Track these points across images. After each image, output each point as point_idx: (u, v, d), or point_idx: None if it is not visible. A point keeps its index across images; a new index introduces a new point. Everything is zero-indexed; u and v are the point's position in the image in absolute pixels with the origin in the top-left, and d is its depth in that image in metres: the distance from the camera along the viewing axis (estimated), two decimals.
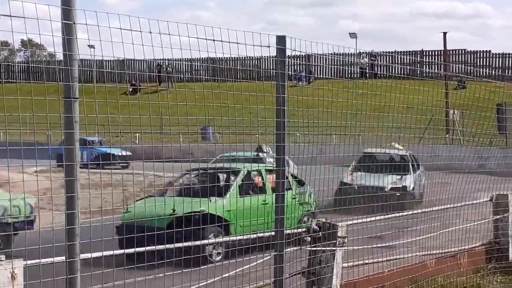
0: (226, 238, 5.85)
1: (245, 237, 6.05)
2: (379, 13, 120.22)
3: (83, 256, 4.66)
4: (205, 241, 6.67)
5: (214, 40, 5.58)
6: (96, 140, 24.36)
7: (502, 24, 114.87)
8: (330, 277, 7.01)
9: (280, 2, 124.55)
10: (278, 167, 6.17)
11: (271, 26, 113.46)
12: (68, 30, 4.76)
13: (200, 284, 5.57)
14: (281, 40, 6.15)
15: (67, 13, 4.76)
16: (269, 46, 6.01)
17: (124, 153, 17.60)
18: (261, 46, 5.90)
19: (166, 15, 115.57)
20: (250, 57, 6.25)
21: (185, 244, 5.74)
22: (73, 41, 4.79)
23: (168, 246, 5.34)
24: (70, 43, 4.77)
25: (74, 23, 4.76)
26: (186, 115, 5.65)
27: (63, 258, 4.65)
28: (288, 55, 6.31)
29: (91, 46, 5.40)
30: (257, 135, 6.88)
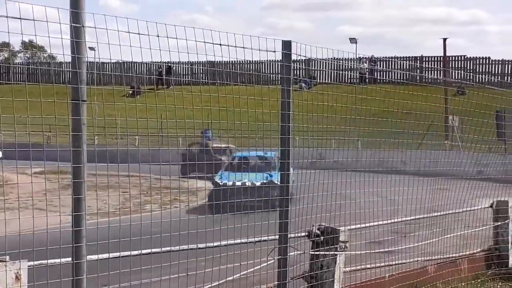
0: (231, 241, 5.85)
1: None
2: (376, 18, 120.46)
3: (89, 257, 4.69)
4: None
5: (220, 45, 5.62)
6: None
7: (498, 30, 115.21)
8: (332, 282, 7.04)
9: (277, 6, 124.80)
10: (282, 171, 6.20)
11: (270, 30, 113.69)
12: (76, 33, 4.79)
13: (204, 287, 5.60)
14: (286, 45, 6.18)
15: (75, 16, 4.79)
16: (275, 51, 6.05)
17: None
18: (267, 51, 5.94)
19: (165, 18, 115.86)
20: (255, 61, 6.28)
21: None
22: (82, 44, 4.82)
23: None
24: (79, 45, 4.80)
25: (83, 26, 4.79)
26: (186, 118, 5.67)
27: (69, 259, 4.68)
28: (293, 60, 6.35)
29: (91, 48, 5.42)
30: (256, 139, 6.92)
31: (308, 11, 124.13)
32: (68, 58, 4.82)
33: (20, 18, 4.58)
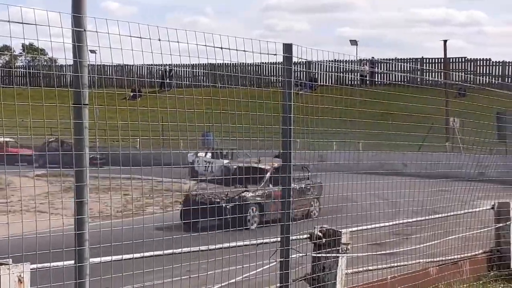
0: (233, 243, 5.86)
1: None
2: (374, 19, 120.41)
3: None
4: None
5: (221, 48, 5.64)
6: None
7: (497, 31, 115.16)
8: (333, 284, 7.05)
9: (277, 8, 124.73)
10: (284, 173, 6.21)
11: (270, 32, 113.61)
12: (78, 37, 4.81)
13: None
14: (287, 48, 6.20)
15: (77, 20, 4.81)
16: (275, 54, 6.07)
17: None
18: (268, 54, 5.96)
19: (164, 20, 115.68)
20: (256, 63, 6.29)
21: None
22: (83, 47, 4.84)
23: None
24: (80, 49, 4.82)
25: (84, 30, 4.81)
26: (186, 120, 5.69)
27: (72, 262, 4.70)
28: (294, 62, 6.37)
29: (92, 51, 5.44)
30: (257, 141, 6.93)
31: (307, 12, 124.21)
32: (69, 61, 4.84)
33: (22, 23, 4.61)
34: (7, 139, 22.83)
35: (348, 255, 7.11)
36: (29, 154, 7.69)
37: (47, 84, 5.13)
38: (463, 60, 52.93)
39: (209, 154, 25.69)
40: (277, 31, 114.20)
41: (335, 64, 7.31)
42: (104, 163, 6.24)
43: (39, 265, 4.72)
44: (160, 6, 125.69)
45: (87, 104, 4.75)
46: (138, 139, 6.21)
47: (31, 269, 4.68)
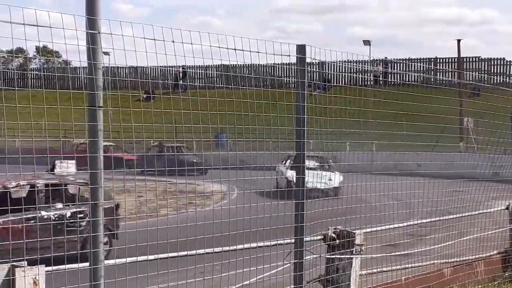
0: (247, 245, 5.87)
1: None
2: (385, 19, 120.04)
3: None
4: None
5: (235, 49, 5.65)
6: None
7: (510, 29, 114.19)
8: (348, 285, 7.03)
9: (287, 9, 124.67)
10: (297, 175, 6.21)
11: (281, 33, 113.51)
12: (92, 39, 4.83)
13: None
14: (301, 49, 6.20)
15: (91, 22, 4.83)
16: (289, 55, 6.08)
17: None
18: (281, 55, 5.97)
19: (176, 21, 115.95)
20: (269, 64, 6.30)
21: None
22: (98, 50, 4.86)
23: None
24: (95, 52, 4.84)
25: (99, 32, 4.83)
26: (199, 122, 5.70)
27: (86, 264, 4.72)
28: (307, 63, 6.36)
29: (105, 53, 5.47)
30: (271, 142, 6.93)
31: (318, 13, 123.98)
32: (83, 64, 4.86)
33: (37, 25, 4.63)
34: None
35: (362, 256, 7.10)
36: None
37: (61, 87, 5.16)
38: (477, 60, 52.67)
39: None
40: (289, 32, 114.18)
41: (348, 64, 7.30)
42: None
43: (54, 268, 4.75)
44: (171, 7, 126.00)
45: (101, 107, 4.77)
46: (151, 141, 6.22)
47: (46, 272, 4.71)
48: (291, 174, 8.89)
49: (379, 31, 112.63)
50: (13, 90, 4.71)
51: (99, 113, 4.76)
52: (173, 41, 5.32)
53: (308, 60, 6.29)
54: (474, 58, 52.64)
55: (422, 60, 52.50)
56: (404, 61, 42.76)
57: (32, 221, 9.56)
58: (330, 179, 11.75)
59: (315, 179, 7.49)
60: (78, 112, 4.98)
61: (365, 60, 37.92)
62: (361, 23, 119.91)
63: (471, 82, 13.86)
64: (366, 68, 32.91)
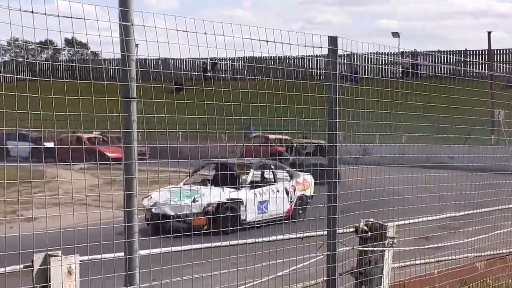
0: (280, 237, 5.87)
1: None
2: (413, 11, 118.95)
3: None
4: None
5: (267, 41, 5.64)
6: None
7: None
8: (380, 278, 6.99)
9: (314, 1, 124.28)
10: (330, 167, 6.18)
11: (309, 24, 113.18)
12: (126, 31, 4.85)
13: (254, 283, 5.62)
14: (333, 40, 6.16)
15: (124, 14, 4.85)
16: (321, 47, 6.05)
17: None
18: (313, 46, 5.94)
19: (203, 14, 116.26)
20: (299, 56, 6.26)
21: None
22: (131, 42, 4.88)
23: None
24: (128, 44, 4.86)
25: (132, 24, 4.85)
26: (230, 114, 5.70)
27: (121, 254, 4.75)
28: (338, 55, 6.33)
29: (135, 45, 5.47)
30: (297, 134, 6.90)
31: (345, 5, 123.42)
32: (114, 55, 4.88)
33: (71, 17, 4.66)
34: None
35: (394, 249, 7.05)
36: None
37: (88, 78, 5.16)
38: (508, 52, 51.97)
39: None
40: (316, 23, 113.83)
41: (379, 56, 7.22)
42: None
43: (89, 257, 4.78)
44: (197, 1, 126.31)
45: (135, 98, 4.79)
46: (187, 132, 6.21)
47: (80, 261, 4.75)
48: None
49: (406, 23, 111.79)
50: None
51: (132, 104, 4.78)
52: (205, 33, 5.31)
53: (339, 52, 6.26)
54: (504, 51, 51.95)
55: (451, 52, 51.94)
56: (434, 53, 42.31)
57: None
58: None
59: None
60: (108, 103, 4.96)
61: (394, 52, 37.63)
62: (389, 15, 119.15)
63: (504, 74, 13.67)
64: (395, 60, 32.64)
